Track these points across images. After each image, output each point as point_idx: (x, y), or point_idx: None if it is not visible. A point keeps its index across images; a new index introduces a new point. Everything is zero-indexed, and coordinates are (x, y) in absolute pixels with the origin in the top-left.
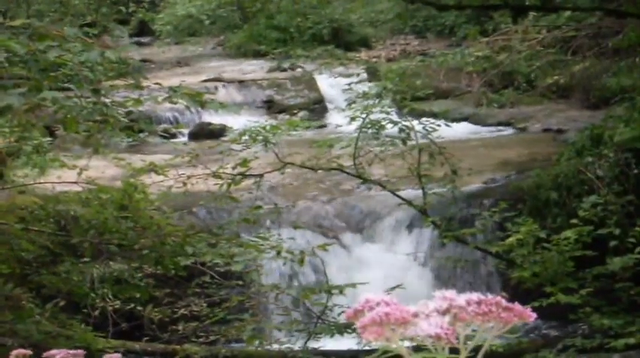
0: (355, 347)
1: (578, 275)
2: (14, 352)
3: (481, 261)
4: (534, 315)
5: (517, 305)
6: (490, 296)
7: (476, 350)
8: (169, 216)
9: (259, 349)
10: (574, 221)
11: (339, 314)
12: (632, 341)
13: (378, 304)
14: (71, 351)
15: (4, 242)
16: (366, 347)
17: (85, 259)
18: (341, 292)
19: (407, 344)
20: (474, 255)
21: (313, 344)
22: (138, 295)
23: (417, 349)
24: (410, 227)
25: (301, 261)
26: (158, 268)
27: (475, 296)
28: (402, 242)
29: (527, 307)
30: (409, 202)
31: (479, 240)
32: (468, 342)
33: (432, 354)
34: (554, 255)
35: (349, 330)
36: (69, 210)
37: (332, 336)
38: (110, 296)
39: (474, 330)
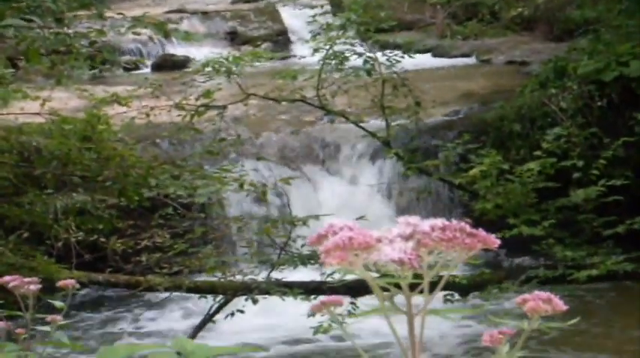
0: (318, 279)
1: (541, 207)
2: None
3: (444, 193)
4: (498, 241)
5: (481, 231)
6: (454, 221)
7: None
8: (132, 147)
9: (222, 280)
10: (537, 153)
11: (302, 246)
12: (594, 272)
13: (341, 229)
14: (25, 279)
15: None
16: (329, 279)
17: (48, 190)
18: (304, 223)
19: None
20: (437, 186)
21: (276, 276)
22: (101, 226)
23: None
24: (373, 158)
25: (263, 195)
26: (121, 199)
27: (439, 221)
28: (365, 173)
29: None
30: (372, 133)
31: (442, 171)
32: (431, 269)
33: (395, 279)
34: (517, 186)
35: (312, 261)
36: (32, 141)
37: (295, 268)
38: (73, 228)
39: (439, 254)
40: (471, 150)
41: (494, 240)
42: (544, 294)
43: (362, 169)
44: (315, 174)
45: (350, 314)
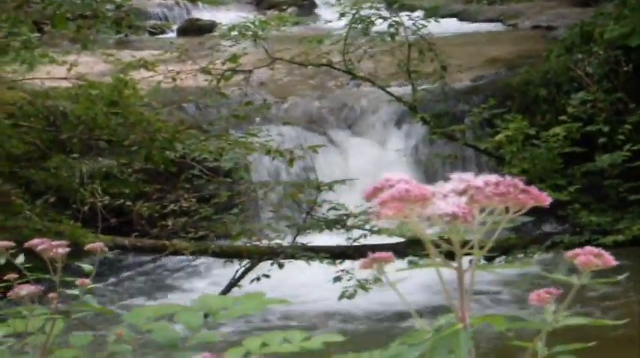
0: (344, 244)
1: (566, 172)
2: None
3: (471, 157)
4: (550, 199)
5: (534, 189)
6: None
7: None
8: (159, 111)
9: (248, 244)
10: (563, 118)
11: (328, 210)
12: (620, 238)
13: (398, 182)
14: (54, 242)
15: None
16: (355, 243)
17: (75, 155)
18: (330, 188)
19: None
20: (464, 151)
21: (302, 240)
22: (127, 191)
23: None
24: (399, 123)
25: (291, 162)
26: (147, 164)
27: (493, 177)
28: (391, 138)
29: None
30: (398, 98)
31: (468, 136)
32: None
33: (448, 233)
34: (543, 151)
35: (338, 226)
36: (58, 105)
37: (321, 232)
38: (99, 192)
39: (489, 214)
40: (496, 115)
41: (545, 198)
42: (595, 249)
43: (388, 134)
44: (342, 139)
45: (409, 265)
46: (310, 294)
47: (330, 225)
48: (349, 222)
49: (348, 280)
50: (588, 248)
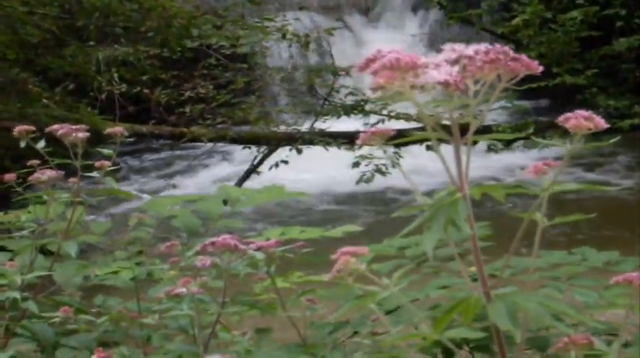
0: (362, 129)
1: (584, 56)
2: (17, 128)
3: (487, 43)
4: (541, 67)
5: (524, 56)
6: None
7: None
8: None
9: (266, 131)
10: (580, 1)
11: (345, 96)
12: (637, 121)
13: (389, 52)
14: (73, 126)
15: (8, 26)
16: (372, 129)
17: (91, 42)
18: (347, 73)
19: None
20: (481, 36)
21: (320, 126)
22: (144, 77)
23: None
24: (415, 8)
25: (306, 45)
26: (164, 50)
27: (483, 46)
28: (407, 23)
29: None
30: None
31: (485, 21)
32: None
33: (441, 102)
34: (560, 35)
35: (355, 111)
36: None
37: (339, 117)
38: (116, 80)
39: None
40: None
41: (537, 66)
42: (585, 113)
43: (404, 19)
44: (357, 24)
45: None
46: (329, 180)
47: (348, 110)
48: (367, 107)
49: (366, 165)
50: (579, 111)
